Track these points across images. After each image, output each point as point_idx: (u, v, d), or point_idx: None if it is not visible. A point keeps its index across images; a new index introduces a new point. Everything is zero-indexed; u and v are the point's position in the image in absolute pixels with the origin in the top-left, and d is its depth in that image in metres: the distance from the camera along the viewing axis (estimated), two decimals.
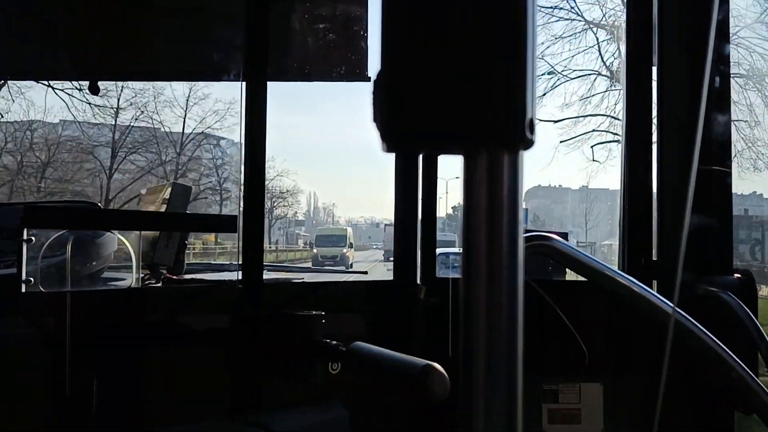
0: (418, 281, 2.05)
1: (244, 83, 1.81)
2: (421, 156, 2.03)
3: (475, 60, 0.44)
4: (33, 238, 1.66)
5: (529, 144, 0.44)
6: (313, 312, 1.69)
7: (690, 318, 1.44)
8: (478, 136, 0.44)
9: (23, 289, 1.65)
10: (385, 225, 38.94)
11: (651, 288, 1.88)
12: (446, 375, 1.27)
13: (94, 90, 2.58)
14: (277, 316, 1.73)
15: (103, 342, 1.65)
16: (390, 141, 0.45)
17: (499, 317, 0.45)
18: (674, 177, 2.00)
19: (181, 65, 2.85)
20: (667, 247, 2.03)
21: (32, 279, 1.65)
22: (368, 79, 2.37)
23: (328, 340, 1.63)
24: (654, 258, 2.08)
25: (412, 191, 2.04)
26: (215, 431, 1.66)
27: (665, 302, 1.46)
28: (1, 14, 2.51)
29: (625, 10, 2.16)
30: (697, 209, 1.95)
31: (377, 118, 0.45)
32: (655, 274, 2.05)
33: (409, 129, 0.45)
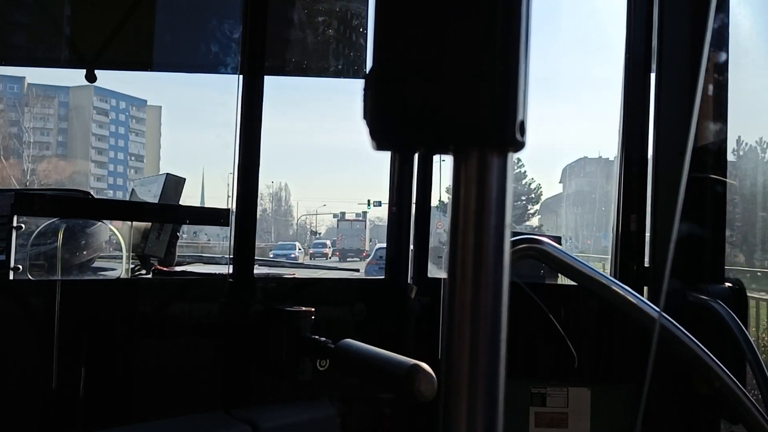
0: (410, 280, 2.04)
1: (241, 76, 1.80)
2: (417, 154, 2.03)
3: (468, 60, 0.43)
4: (23, 225, 1.66)
5: (519, 146, 0.44)
6: (303, 308, 1.69)
7: (677, 325, 1.44)
8: (467, 136, 0.44)
9: (11, 277, 1.64)
10: (338, 220, 36.44)
11: (642, 294, 1.88)
12: (434, 375, 1.26)
13: (91, 78, 2.57)
14: (266, 312, 1.73)
15: (91, 332, 1.64)
16: (379, 139, 0.45)
17: (483, 319, 0.45)
18: (668, 184, 2.00)
19: (178, 57, 2.84)
20: (659, 253, 2.03)
21: (20, 266, 1.65)
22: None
23: (316, 337, 1.62)
24: (646, 264, 2.08)
25: (407, 190, 2.03)
26: (202, 425, 1.65)
27: (652, 307, 1.46)
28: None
29: (626, 17, 2.15)
30: (690, 217, 1.95)
31: (367, 116, 0.44)
32: (647, 281, 2.05)
33: (398, 127, 0.44)
